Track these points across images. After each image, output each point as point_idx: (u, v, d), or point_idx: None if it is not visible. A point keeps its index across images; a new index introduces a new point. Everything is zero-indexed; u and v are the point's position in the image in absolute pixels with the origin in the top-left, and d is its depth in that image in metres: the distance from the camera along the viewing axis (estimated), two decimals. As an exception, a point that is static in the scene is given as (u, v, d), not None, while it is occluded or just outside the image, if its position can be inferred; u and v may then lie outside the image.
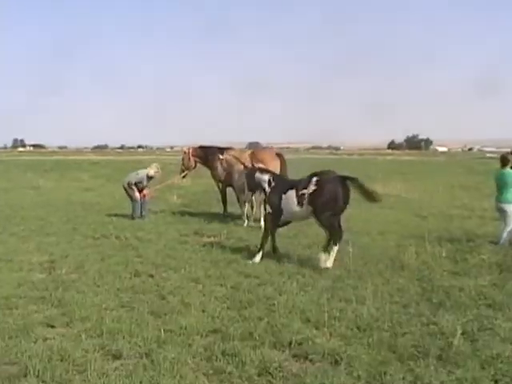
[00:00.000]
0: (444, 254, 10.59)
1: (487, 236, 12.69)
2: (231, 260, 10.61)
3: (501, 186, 11.48)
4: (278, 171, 15.69)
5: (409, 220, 16.06)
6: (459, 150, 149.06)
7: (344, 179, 10.13)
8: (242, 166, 15.30)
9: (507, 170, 11.53)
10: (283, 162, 16.12)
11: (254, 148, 16.88)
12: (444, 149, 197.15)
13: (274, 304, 7.71)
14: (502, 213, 11.53)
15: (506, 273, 9.38)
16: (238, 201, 16.16)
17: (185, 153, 17.96)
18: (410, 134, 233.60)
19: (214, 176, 17.20)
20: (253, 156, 16.06)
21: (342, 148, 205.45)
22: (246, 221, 15.34)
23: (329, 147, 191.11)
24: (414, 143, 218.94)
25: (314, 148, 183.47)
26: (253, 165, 15.39)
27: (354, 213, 17.17)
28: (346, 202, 10.14)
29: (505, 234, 11.41)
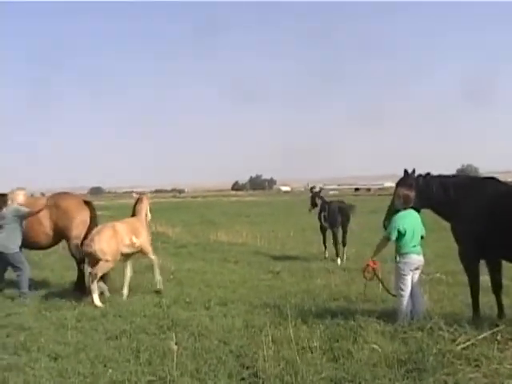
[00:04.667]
0: (316, 344, 6.95)
1: (364, 301, 9.40)
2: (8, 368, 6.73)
3: (415, 234, 8.15)
4: (87, 222, 11.60)
5: (259, 279, 12.55)
6: (302, 189, 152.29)
7: None
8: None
9: (412, 211, 8.28)
10: (93, 212, 11.87)
11: (59, 194, 12.23)
12: (287, 188, 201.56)
13: None
14: (415, 271, 8.14)
15: (415, 374, 5.91)
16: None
17: None
18: (254, 175, 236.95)
19: None
20: (53, 204, 11.54)
21: (186, 190, 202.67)
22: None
23: (173, 190, 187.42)
24: (258, 183, 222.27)
25: (157, 191, 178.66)
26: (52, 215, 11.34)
27: (191, 269, 13.59)
28: None
29: (404, 306, 7.99)
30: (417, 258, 8.02)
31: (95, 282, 10.13)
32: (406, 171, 8.73)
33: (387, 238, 8.04)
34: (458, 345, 6.63)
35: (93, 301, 9.96)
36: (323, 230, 16.12)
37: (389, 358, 6.36)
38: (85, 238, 11.66)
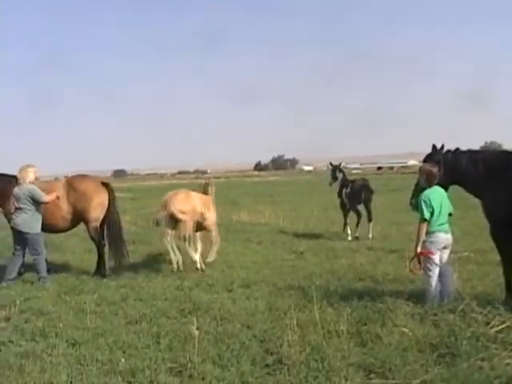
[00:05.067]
0: (343, 327, 6.65)
1: (391, 282, 9.13)
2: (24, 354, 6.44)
3: (442, 212, 7.66)
4: (105, 205, 11.40)
5: (282, 259, 12.29)
6: (324, 168, 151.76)
7: None
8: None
9: (438, 187, 7.87)
10: (111, 194, 11.61)
11: (78, 176, 11.82)
12: (310, 167, 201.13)
13: None
14: (444, 250, 7.74)
15: (448, 359, 5.62)
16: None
17: None
18: (276, 155, 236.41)
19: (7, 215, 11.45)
20: (70, 186, 11.23)
21: (208, 171, 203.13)
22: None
23: (196, 171, 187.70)
24: (280, 163, 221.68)
25: (180, 173, 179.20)
26: (70, 198, 11.18)
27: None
28: None
29: (432, 287, 7.63)
30: (444, 237, 7.62)
31: (188, 246, 10.88)
32: (434, 146, 8.33)
33: (423, 220, 7.58)
34: (492, 327, 6.32)
35: (193, 259, 10.92)
36: (344, 207, 15.88)
37: (420, 342, 6.07)
38: (103, 221, 11.48)
